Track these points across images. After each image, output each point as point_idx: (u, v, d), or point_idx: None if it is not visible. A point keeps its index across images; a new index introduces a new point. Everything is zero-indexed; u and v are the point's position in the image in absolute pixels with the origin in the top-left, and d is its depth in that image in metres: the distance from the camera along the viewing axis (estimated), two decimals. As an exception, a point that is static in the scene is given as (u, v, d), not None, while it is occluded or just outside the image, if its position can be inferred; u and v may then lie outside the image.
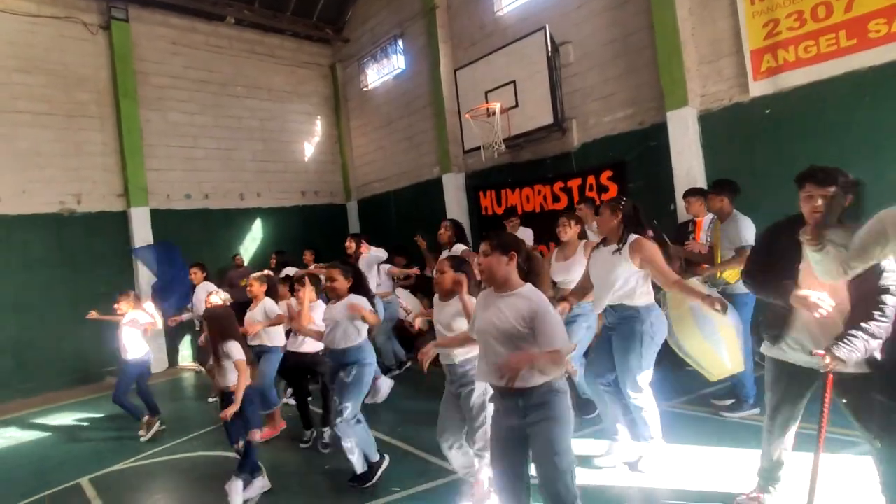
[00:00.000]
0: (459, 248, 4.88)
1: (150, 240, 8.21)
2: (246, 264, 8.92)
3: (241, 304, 5.80)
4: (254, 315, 4.52)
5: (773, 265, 2.43)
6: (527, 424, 2.13)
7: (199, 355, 6.67)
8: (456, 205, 8.37)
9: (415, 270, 6.49)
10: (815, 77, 4.80)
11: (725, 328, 3.32)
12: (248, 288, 4.65)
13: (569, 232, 4.13)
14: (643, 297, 3.12)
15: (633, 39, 6.10)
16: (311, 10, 10.22)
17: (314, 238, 9.09)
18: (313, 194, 10.55)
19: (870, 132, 4.49)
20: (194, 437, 4.80)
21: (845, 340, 2.07)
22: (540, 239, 6.38)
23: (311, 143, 10.67)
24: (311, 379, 4.53)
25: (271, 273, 5.61)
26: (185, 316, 6.82)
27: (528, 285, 2.22)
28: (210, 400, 5.92)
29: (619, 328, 3.15)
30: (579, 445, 3.56)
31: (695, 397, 4.32)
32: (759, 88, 5.17)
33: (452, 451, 2.95)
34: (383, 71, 10.03)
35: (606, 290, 3.14)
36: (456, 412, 2.91)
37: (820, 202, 2.23)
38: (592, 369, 3.37)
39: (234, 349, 3.53)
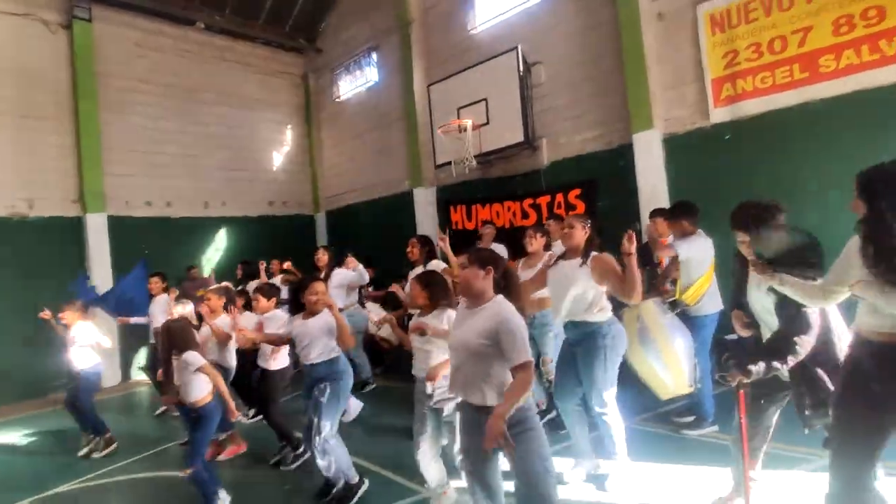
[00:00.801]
0: (434, 265, 4.79)
1: (105, 248, 7.88)
2: (208, 275, 8.65)
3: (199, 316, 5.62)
4: (208, 330, 4.38)
5: (736, 297, 2.68)
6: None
7: (151, 364, 6.31)
8: (426, 219, 8.37)
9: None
10: (771, 106, 5.04)
11: (669, 353, 3.44)
12: (206, 301, 4.48)
13: (535, 243, 4.22)
14: (603, 311, 3.18)
15: (602, 63, 6.28)
16: (284, 18, 10.14)
17: (280, 249, 8.90)
18: (281, 204, 10.37)
19: (820, 161, 4.72)
20: (148, 456, 4.58)
21: (747, 368, 2.31)
22: (509, 253, 6.42)
23: (280, 153, 10.52)
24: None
25: (230, 285, 5.44)
26: (134, 319, 6.37)
27: (499, 297, 2.25)
28: (165, 413, 5.69)
29: (583, 344, 3.20)
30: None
31: (656, 414, 4.39)
32: (719, 115, 5.39)
33: (430, 465, 2.93)
34: (356, 82, 10.01)
35: (564, 301, 3.20)
36: (433, 426, 2.90)
37: (746, 247, 2.47)
38: (561, 389, 3.40)
39: (194, 357, 3.43)
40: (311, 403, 3.33)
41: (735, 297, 2.74)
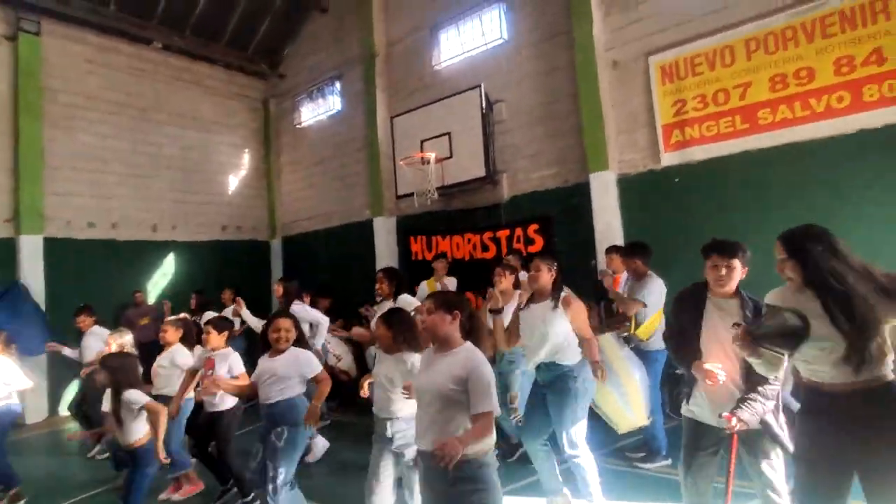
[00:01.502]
0: (404, 300, 4.66)
1: (40, 272, 7.35)
2: (152, 302, 8.22)
3: (141, 347, 5.29)
4: (160, 362, 4.12)
5: (682, 333, 2.65)
6: (456, 493, 2.08)
7: (76, 405, 5.76)
8: (385, 248, 8.32)
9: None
10: (716, 153, 5.38)
11: (630, 383, 3.55)
12: (162, 333, 4.22)
13: (504, 282, 4.24)
14: (575, 353, 3.22)
15: (560, 105, 6.55)
16: (246, 42, 10.06)
17: (232, 276, 8.60)
18: (235, 229, 10.05)
19: (760, 207, 5.05)
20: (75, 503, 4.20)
21: (746, 404, 2.30)
22: (468, 286, 6.46)
23: (236, 177, 10.26)
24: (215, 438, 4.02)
25: (188, 317, 5.15)
26: (66, 351, 5.87)
27: (468, 343, 2.24)
28: (94, 456, 5.25)
29: (553, 386, 3.21)
30: (518, 501, 3.56)
31: (611, 450, 4.44)
32: (669, 159, 5.70)
33: None
34: (318, 110, 9.98)
35: (542, 345, 3.21)
36: (390, 471, 2.81)
37: (724, 272, 2.49)
38: (528, 429, 3.40)
39: (137, 395, 3.21)
40: (268, 447, 3.13)
41: (680, 331, 2.67)
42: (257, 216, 10.50)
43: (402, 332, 2.85)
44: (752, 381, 2.37)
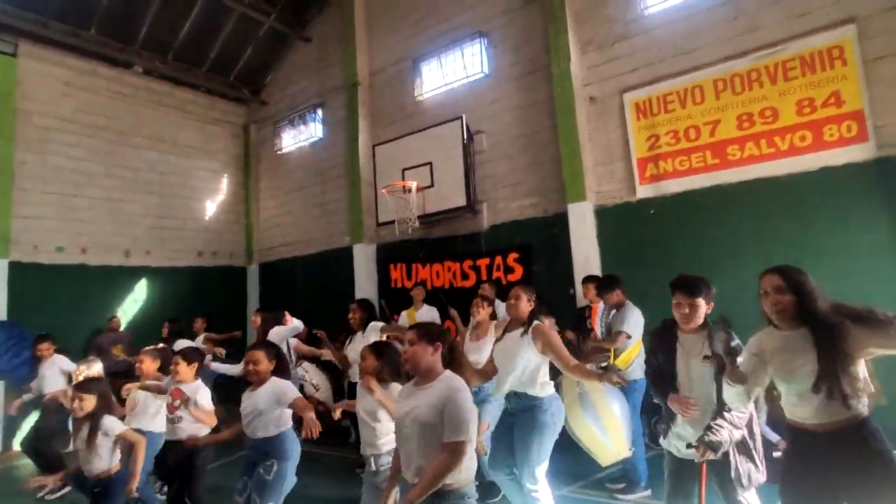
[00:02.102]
0: (373, 326, 4.70)
1: (2, 296, 7.06)
2: (123, 328, 7.96)
3: (112, 375, 5.10)
4: (136, 395, 3.97)
5: (658, 370, 2.73)
6: None
7: (29, 443, 5.36)
8: (365, 276, 8.28)
9: (324, 352, 5.94)
10: (688, 187, 5.57)
11: (609, 416, 3.54)
12: (138, 364, 4.07)
13: (481, 312, 4.25)
14: (546, 386, 3.20)
15: (539, 137, 6.72)
16: (229, 68, 10.10)
17: (207, 303, 8.42)
18: (211, 255, 9.88)
19: (731, 238, 5.23)
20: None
21: (712, 431, 2.35)
22: (447, 315, 6.43)
23: (214, 202, 10.14)
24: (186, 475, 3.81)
25: (166, 347, 4.98)
26: (26, 397, 5.55)
27: (448, 372, 2.24)
28: (45, 496, 4.96)
29: (522, 416, 3.18)
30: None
31: (590, 481, 4.41)
32: (644, 191, 5.87)
33: None
34: (300, 137, 10.02)
35: (509, 373, 3.19)
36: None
37: (687, 310, 2.58)
38: (495, 459, 3.35)
39: (116, 423, 3.11)
40: (253, 481, 3.03)
41: (658, 367, 2.76)
42: (234, 242, 10.36)
43: (390, 363, 2.83)
44: (720, 411, 2.42)
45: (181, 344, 5.50)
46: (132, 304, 8.58)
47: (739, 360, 2.27)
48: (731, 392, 2.28)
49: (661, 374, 2.70)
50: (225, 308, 9.02)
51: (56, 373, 5.23)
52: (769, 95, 5.17)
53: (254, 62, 10.20)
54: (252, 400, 3.15)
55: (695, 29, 5.62)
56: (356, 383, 4.29)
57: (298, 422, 3.03)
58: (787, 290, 2.12)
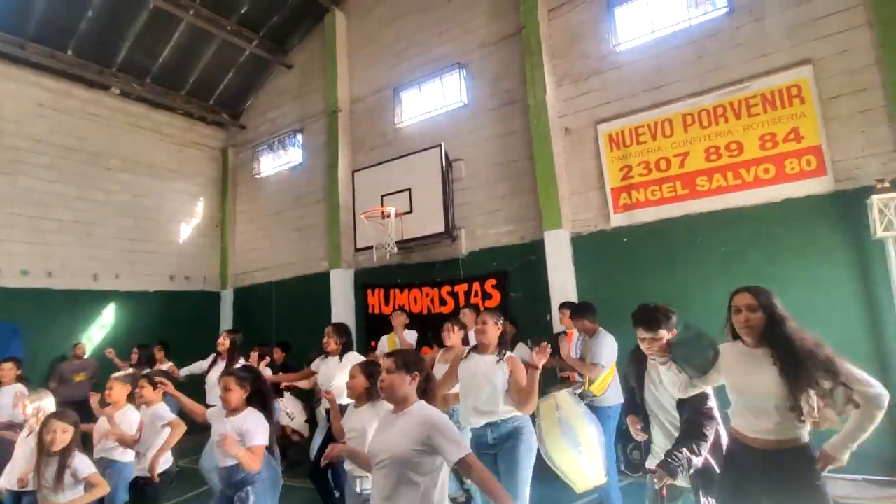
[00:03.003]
0: (353, 358, 4.55)
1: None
2: (88, 355, 7.67)
3: (75, 405, 4.87)
4: (103, 423, 3.81)
5: (631, 393, 2.89)
6: None
7: None
8: (342, 301, 8.20)
9: (303, 384, 5.80)
10: (660, 216, 5.74)
11: (587, 442, 3.55)
12: (107, 391, 3.92)
13: (453, 337, 4.25)
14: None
15: (516, 165, 6.87)
16: (209, 93, 10.10)
17: (178, 328, 8.21)
18: (183, 279, 9.68)
19: (701, 266, 5.38)
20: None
21: (672, 457, 2.43)
22: (424, 340, 6.41)
23: (189, 225, 10.00)
24: None
25: (136, 372, 4.80)
26: None
27: (421, 402, 2.22)
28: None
29: (506, 443, 3.14)
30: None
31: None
32: (618, 220, 6.02)
33: None
34: (279, 161, 10.01)
35: (488, 397, 3.14)
36: None
37: (647, 344, 2.67)
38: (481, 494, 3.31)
39: (84, 464, 2.99)
40: None
41: (632, 395, 2.92)
42: (209, 266, 10.18)
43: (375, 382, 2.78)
44: (683, 435, 2.52)
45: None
46: (99, 330, 8.31)
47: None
48: (668, 376, 2.46)
49: (633, 396, 2.84)
50: (197, 334, 8.77)
51: (7, 401, 4.96)
52: (734, 130, 5.41)
53: (234, 87, 10.24)
54: (222, 427, 3.04)
55: (663, 66, 5.89)
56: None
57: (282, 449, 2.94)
58: (759, 309, 2.23)
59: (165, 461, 3.59)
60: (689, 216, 5.56)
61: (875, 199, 4.33)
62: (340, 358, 4.40)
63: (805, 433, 2.17)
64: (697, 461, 2.44)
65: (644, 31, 6.10)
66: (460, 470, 2.02)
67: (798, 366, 2.09)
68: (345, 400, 4.22)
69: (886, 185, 4.39)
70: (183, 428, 3.59)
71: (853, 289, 4.66)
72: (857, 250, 4.66)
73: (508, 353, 3.24)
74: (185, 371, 5.29)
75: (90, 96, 8.71)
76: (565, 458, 3.51)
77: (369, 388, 2.83)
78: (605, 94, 6.26)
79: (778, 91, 5.21)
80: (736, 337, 2.36)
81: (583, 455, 3.52)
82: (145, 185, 9.31)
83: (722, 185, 5.43)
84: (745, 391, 2.25)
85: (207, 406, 4.84)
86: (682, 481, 2.51)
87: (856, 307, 4.62)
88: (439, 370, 4.21)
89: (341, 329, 4.62)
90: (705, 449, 2.46)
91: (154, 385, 3.66)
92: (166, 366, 6.21)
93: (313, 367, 4.71)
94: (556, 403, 3.72)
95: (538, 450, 3.32)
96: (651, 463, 2.75)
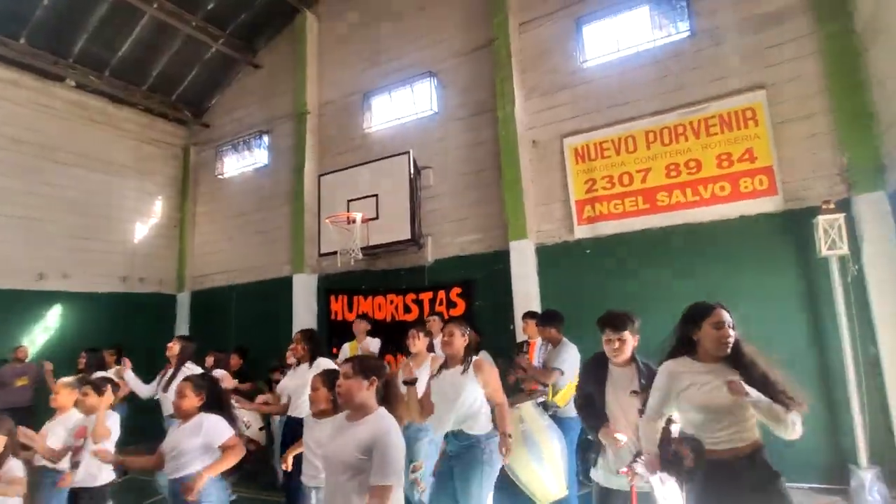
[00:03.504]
0: (324, 364, 4.46)
1: None
2: (30, 359, 7.24)
3: (16, 411, 4.59)
4: (51, 428, 3.58)
5: (589, 401, 2.88)
6: None
7: None
8: (304, 306, 8.04)
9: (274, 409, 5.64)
10: (622, 229, 5.88)
11: (550, 455, 3.57)
12: (53, 396, 3.68)
13: (418, 344, 4.21)
14: (485, 423, 3.18)
15: (484, 175, 6.92)
16: (171, 89, 9.79)
17: (131, 332, 7.86)
18: (137, 281, 9.28)
19: (660, 278, 5.53)
20: None
21: (642, 458, 2.48)
22: (387, 348, 6.34)
23: (145, 225, 9.62)
24: None
25: (87, 377, 4.54)
26: None
27: (381, 409, 2.18)
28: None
29: (462, 457, 3.13)
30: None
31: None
32: (581, 232, 6.14)
33: None
34: (243, 162, 9.77)
35: (452, 412, 3.14)
36: None
37: (616, 345, 2.79)
38: (437, 502, 3.27)
39: (18, 468, 2.85)
40: None
41: (588, 403, 2.92)
42: (165, 268, 9.81)
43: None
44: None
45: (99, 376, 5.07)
46: (43, 333, 7.86)
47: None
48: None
49: (591, 403, 2.84)
50: (149, 338, 8.41)
51: None
52: (693, 148, 5.61)
53: (198, 84, 9.95)
54: (175, 435, 2.91)
55: (628, 84, 6.06)
56: (297, 419, 4.10)
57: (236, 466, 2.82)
58: (735, 327, 2.35)
59: (107, 474, 3.40)
60: (650, 230, 5.71)
61: (821, 220, 4.56)
62: (311, 364, 4.27)
63: (757, 433, 2.28)
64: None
65: (610, 49, 6.28)
66: (370, 495, 1.96)
67: (753, 381, 2.20)
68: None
69: (831, 206, 4.62)
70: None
71: (799, 304, 4.89)
72: (804, 267, 4.89)
73: (474, 358, 3.24)
74: (130, 380, 5.02)
75: (42, 87, 8.30)
76: (528, 472, 3.52)
77: (334, 398, 2.75)
78: (571, 108, 6.40)
79: (734, 113, 5.44)
80: (683, 352, 2.42)
81: (546, 469, 3.53)
82: (99, 182, 8.91)
83: (681, 200, 5.61)
84: (710, 404, 2.28)
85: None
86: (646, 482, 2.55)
87: (801, 321, 4.84)
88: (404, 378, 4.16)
89: (310, 335, 4.48)
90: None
91: (99, 392, 3.45)
92: (112, 372, 5.91)
93: (279, 387, 4.55)
94: (521, 416, 3.73)
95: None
96: (604, 470, 2.79)
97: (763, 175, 5.24)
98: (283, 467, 2.99)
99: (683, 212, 5.58)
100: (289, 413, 4.31)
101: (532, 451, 3.49)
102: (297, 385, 4.26)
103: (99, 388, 3.48)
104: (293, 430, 4.04)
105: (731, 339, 2.30)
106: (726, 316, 2.34)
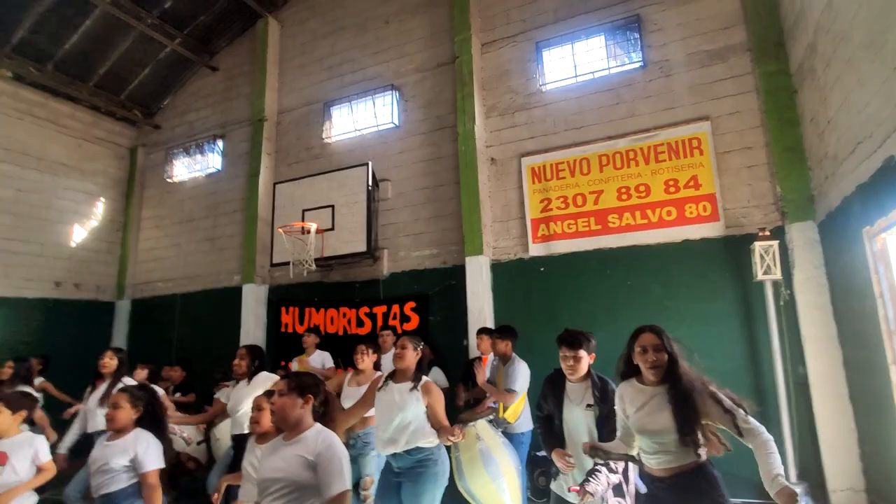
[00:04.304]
0: (264, 377, 4.31)
1: None
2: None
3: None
4: None
5: (548, 418, 2.94)
6: None
7: None
8: (253, 318, 7.76)
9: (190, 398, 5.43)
10: (574, 248, 6.02)
11: (508, 470, 3.54)
12: None
13: (366, 360, 4.16)
14: (432, 435, 3.12)
15: (442, 190, 6.95)
16: (120, 87, 9.38)
17: (63, 341, 7.37)
18: (72, 287, 8.73)
19: (610, 297, 5.69)
20: None
21: (593, 476, 2.49)
22: (338, 362, 6.20)
23: (84, 227, 9.09)
24: None
25: (29, 391, 4.16)
26: None
27: (317, 425, 2.12)
28: None
29: (412, 472, 3.05)
30: None
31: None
32: (536, 250, 6.24)
33: None
34: (195, 166, 9.43)
35: (400, 432, 3.04)
36: None
37: (571, 362, 2.87)
38: None
39: None
40: None
41: (548, 424, 2.98)
42: (104, 273, 9.28)
43: None
44: (598, 456, 2.60)
45: (23, 389, 4.68)
46: (-41, 340, 7.24)
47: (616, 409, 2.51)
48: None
49: (551, 420, 2.89)
50: (84, 349, 7.90)
51: None
52: (643, 173, 5.84)
53: (150, 84, 9.58)
54: (104, 451, 2.71)
55: (584, 109, 6.27)
56: (238, 435, 3.93)
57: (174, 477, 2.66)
58: (663, 349, 2.35)
59: (29, 501, 3.11)
60: (601, 250, 5.88)
61: (757, 246, 4.83)
62: (249, 379, 4.10)
63: (703, 453, 2.31)
64: (615, 478, 2.54)
65: (568, 74, 6.49)
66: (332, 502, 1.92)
67: (690, 405, 2.25)
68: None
69: (767, 233, 4.91)
70: (51, 474, 3.16)
71: (736, 324, 5.13)
72: (742, 290, 5.15)
73: (425, 379, 3.19)
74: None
75: (-25, 76, 7.77)
76: (487, 491, 3.44)
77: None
78: (529, 129, 6.55)
79: (681, 141, 5.71)
80: (630, 374, 2.48)
81: (504, 486, 3.49)
82: (32, 180, 8.37)
83: (631, 223, 5.81)
84: (647, 428, 2.35)
85: (86, 434, 4.36)
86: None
87: (738, 342, 5.08)
88: (348, 392, 4.07)
89: (255, 351, 4.30)
90: (621, 466, 2.56)
91: (12, 410, 3.10)
92: (38, 381, 5.51)
93: (223, 397, 4.37)
94: (477, 434, 3.68)
95: (453, 481, 3.27)
96: (564, 484, 2.82)
97: (706, 202, 5.50)
98: (215, 497, 2.81)
99: (633, 234, 5.77)
100: (231, 431, 4.15)
101: (490, 469, 3.44)
102: (234, 401, 4.10)
103: (14, 403, 3.12)
104: (240, 446, 3.90)
105: (656, 363, 2.33)
106: (649, 339, 2.37)
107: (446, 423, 3.08)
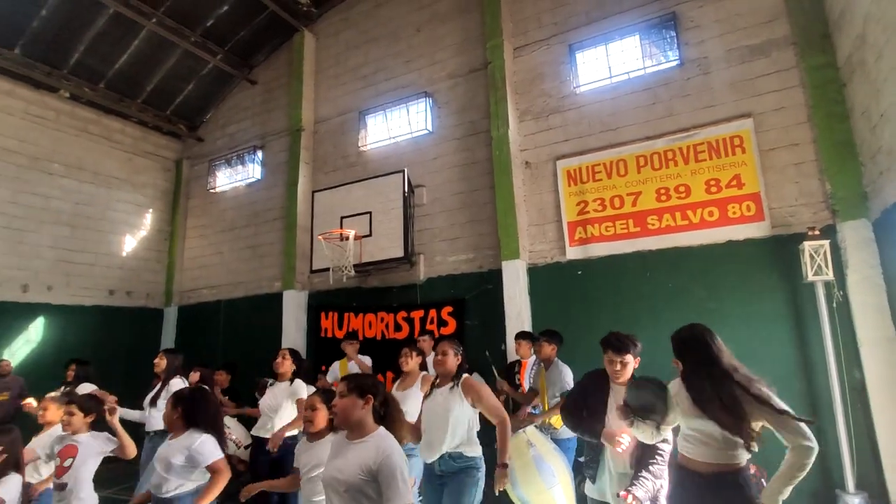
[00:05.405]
0: (302, 386, 4.35)
1: None
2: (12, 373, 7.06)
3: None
4: (40, 442, 3.46)
5: (587, 406, 2.89)
6: None
7: None
8: (293, 323, 7.97)
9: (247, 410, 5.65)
10: (613, 251, 5.94)
11: (563, 475, 3.51)
12: (41, 412, 3.57)
13: (410, 363, 4.20)
14: (477, 443, 3.15)
15: (477, 195, 6.98)
16: (166, 102, 9.82)
17: (117, 347, 7.74)
18: (124, 294, 9.16)
19: (650, 301, 5.59)
20: None
21: (639, 482, 2.51)
22: (378, 366, 6.30)
23: (134, 237, 9.53)
24: None
25: (76, 392, 4.42)
26: None
27: (381, 429, 2.15)
28: None
29: (456, 477, 3.08)
30: None
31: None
32: (573, 253, 6.19)
33: None
34: (236, 176, 9.77)
35: (443, 432, 3.08)
36: None
37: (618, 367, 2.83)
38: None
39: (17, 484, 2.76)
40: None
41: (577, 400, 2.97)
42: (153, 282, 9.70)
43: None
44: (642, 463, 2.61)
45: (86, 388, 4.97)
46: (25, 346, 7.69)
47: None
48: (638, 432, 2.55)
49: (592, 414, 2.83)
50: (134, 353, 8.30)
51: None
52: (682, 173, 5.72)
53: (193, 98, 9.99)
54: (164, 451, 2.84)
55: (619, 109, 6.20)
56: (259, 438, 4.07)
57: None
58: (676, 356, 2.53)
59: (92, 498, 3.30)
60: (640, 252, 5.78)
61: (806, 246, 4.66)
62: (291, 382, 4.26)
63: (744, 457, 2.33)
64: (659, 484, 2.55)
65: (602, 75, 6.43)
66: None
67: (709, 405, 2.31)
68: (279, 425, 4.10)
69: (817, 233, 4.73)
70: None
71: (786, 328, 4.95)
72: (791, 292, 4.97)
73: (465, 375, 3.21)
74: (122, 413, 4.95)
75: (34, 97, 8.28)
76: (543, 499, 3.41)
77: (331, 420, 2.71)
78: (564, 131, 6.51)
79: (722, 140, 5.57)
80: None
81: (559, 492, 3.46)
82: (88, 193, 8.85)
83: (671, 224, 5.69)
84: (697, 423, 2.37)
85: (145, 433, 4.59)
86: None
87: (788, 346, 4.90)
88: (396, 397, 4.14)
89: (296, 354, 4.52)
90: (664, 471, 2.55)
91: (85, 412, 3.28)
92: (90, 388, 5.78)
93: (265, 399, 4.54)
94: (529, 441, 3.66)
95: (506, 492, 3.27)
96: (608, 487, 2.79)
97: (750, 201, 5.35)
98: (243, 495, 2.88)
99: (673, 235, 5.66)
100: (257, 433, 4.31)
101: (545, 475, 3.40)
102: (272, 401, 4.25)
103: (85, 406, 3.31)
104: (262, 448, 4.10)
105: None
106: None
107: (503, 415, 3.04)
